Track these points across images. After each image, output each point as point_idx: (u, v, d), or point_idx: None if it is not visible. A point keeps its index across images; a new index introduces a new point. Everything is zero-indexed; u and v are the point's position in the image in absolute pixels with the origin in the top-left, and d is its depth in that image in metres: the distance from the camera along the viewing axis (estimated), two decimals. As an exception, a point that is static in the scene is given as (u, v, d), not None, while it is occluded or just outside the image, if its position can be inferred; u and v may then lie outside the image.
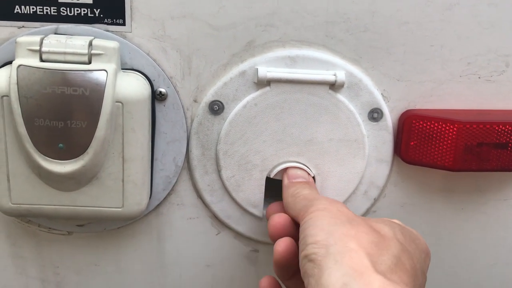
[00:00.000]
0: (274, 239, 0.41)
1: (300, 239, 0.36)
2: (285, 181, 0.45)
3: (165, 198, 0.49)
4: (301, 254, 0.34)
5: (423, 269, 0.37)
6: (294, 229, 0.41)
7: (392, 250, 0.34)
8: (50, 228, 0.50)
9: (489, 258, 0.53)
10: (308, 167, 0.47)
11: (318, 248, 0.33)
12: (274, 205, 0.46)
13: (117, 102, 0.41)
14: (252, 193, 0.48)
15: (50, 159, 0.42)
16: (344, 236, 0.34)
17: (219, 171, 0.48)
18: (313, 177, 0.47)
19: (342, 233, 0.34)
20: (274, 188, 0.48)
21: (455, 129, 0.45)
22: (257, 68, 0.45)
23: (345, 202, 0.49)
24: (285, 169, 0.47)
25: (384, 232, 0.36)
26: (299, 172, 0.46)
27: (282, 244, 0.39)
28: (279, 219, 0.41)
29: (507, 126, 0.45)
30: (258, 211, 0.49)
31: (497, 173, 0.49)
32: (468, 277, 0.54)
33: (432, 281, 0.54)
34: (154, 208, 0.49)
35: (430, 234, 0.52)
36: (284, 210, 0.43)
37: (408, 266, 0.34)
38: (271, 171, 0.47)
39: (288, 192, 0.43)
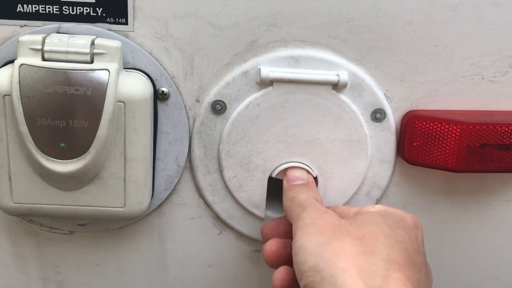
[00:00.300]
0: (270, 265, 0.42)
1: (293, 263, 0.37)
2: (284, 184, 0.45)
3: (167, 198, 0.49)
4: (301, 284, 0.36)
5: (418, 248, 0.38)
6: (289, 250, 0.41)
7: (381, 252, 0.35)
8: (51, 228, 0.49)
9: (492, 259, 0.53)
10: (310, 168, 0.47)
11: (313, 276, 0.35)
12: (268, 225, 0.46)
13: (119, 101, 0.41)
14: (254, 193, 0.48)
15: (52, 158, 0.42)
16: (332, 255, 0.35)
17: (221, 171, 0.47)
18: (315, 178, 0.47)
19: (330, 253, 0.35)
20: (276, 188, 0.48)
21: (458, 130, 0.45)
22: (260, 68, 0.44)
23: (347, 202, 0.49)
24: (285, 170, 0.47)
25: (369, 234, 0.37)
26: (298, 173, 0.46)
27: (279, 277, 0.40)
28: (271, 248, 0.42)
29: (510, 127, 0.45)
30: (260, 211, 0.49)
31: (500, 174, 0.49)
32: (471, 278, 0.54)
33: (434, 282, 0.54)
34: (156, 208, 0.49)
35: (433, 235, 0.52)
36: (278, 227, 0.45)
37: (402, 259, 0.35)
38: (273, 171, 0.47)
39: (286, 196, 0.44)
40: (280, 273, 0.41)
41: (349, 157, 0.47)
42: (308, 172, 0.47)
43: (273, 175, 0.47)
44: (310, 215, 0.39)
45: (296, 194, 0.43)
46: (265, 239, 0.45)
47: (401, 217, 0.40)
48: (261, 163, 0.47)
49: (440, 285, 0.54)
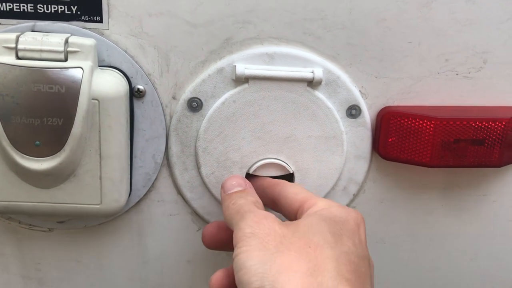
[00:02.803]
0: None
1: (236, 280, 0.35)
2: (222, 195, 0.44)
3: (145, 195, 0.49)
4: None
5: (362, 252, 0.37)
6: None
7: (329, 269, 0.34)
8: (30, 225, 0.50)
9: (468, 253, 0.54)
10: (287, 164, 0.48)
11: None
12: (208, 229, 0.47)
13: (93, 99, 0.41)
14: (232, 189, 0.48)
15: (27, 156, 0.42)
16: (278, 275, 0.33)
17: (198, 168, 0.48)
18: (292, 173, 0.48)
19: (276, 272, 0.33)
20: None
21: (432, 125, 0.45)
22: (235, 65, 0.45)
23: (324, 197, 0.49)
24: (223, 182, 0.46)
25: (314, 245, 0.35)
26: (234, 181, 0.44)
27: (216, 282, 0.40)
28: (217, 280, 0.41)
29: (484, 123, 0.46)
30: (237, 207, 0.49)
31: (476, 169, 0.50)
32: (448, 272, 0.54)
33: (411, 276, 0.54)
34: (134, 205, 0.49)
35: (410, 230, 0.52)
36: (218, 232, 0.46)
37: (349, 273, 0.34)
38: (250, 167, 0.48)
39: (224, 205, 0.42)
40: (218, 276, 0.41)
41: (325, 153, 0.48)
42: (245, 180, 0.46)
43: (251, 172, 0.48)
44: (248, 223, 0.37)
45: (234, 201, 0.41)
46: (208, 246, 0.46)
47: (344, 219, 0.38)
48: (238, 160, 0.47)
49: (416, 279, 0.54)
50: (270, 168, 0.48)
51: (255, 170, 0.47)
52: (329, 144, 0.47)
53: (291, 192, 0.43)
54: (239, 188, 0.43)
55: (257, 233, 0.36)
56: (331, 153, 0.48)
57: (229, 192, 0.43)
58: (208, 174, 0.48)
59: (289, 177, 0.48)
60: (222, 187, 0.44)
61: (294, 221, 0.39)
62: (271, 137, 0.47)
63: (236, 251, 0.36)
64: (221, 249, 0.47)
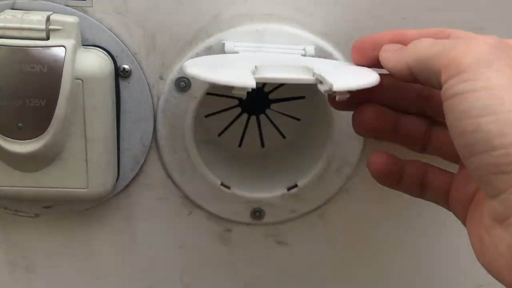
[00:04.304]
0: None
1: (452, 124, 0.26)
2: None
3: (133, 179, 0.48)
4: (476, 160, 0.25)
5: None
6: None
7: None
8: (16, 211, 0.48)
9: (466, 233, 0.53)
10: None
11: (508, 155, 0.24)
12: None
13: (76, 79, 0.40)
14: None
15: (9, 139, 0.40)
16: None
17: (188, 150, 0.46)
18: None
19: None
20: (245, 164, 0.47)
21: (427, 104, 0.44)
22: (224, 43, 0.43)
23: (317, 180, 0.48)
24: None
25: None
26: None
27: (379, 160, 0.35)
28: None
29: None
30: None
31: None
32: (447, 253, 0.54)
33: (409, 260, 0.53)
34: (122, 189, 0.48)
35: (405, 211, 0.51)
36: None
37: None
38: None
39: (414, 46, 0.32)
40: (380, 158, 0.36)
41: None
42: None
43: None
44: (480, 40, 0.27)
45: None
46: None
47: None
48: (229, 141, 0.46)
49: (413, 262, 0.54)
50: None
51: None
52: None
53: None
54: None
55: (500, 56, 0.26)
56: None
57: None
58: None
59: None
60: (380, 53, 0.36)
61: None
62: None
63: (459, 86, 0.26)
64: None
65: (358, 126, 0.39)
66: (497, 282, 0.29)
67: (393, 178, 0.37)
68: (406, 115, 0.39)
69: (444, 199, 0.36)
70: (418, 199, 0.51)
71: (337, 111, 0.45)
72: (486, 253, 0.29)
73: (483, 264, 0.29)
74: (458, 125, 0.26)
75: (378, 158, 0.37)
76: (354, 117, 0.39)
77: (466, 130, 0.25)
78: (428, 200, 0.38)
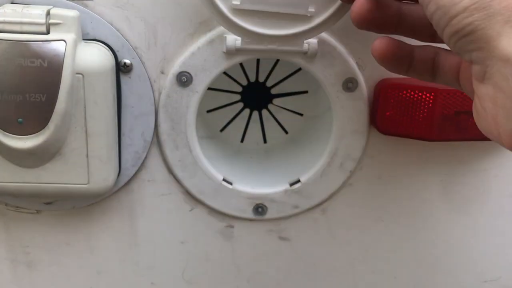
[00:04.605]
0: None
1: (429, 12, 0.29)
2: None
3: (135, 175, 0.47)
4: (445, 33, 0.29)
5: None
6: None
7: None
8: (17, 207, 0.48)
9: (468, 229, 0.53)
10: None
11: (469, 17, 0.27)
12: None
13: (77, 73, 0.40)
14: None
15: (10, 134, 0.40)
16: None
17: (189, 146, 0.46)
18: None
19: None
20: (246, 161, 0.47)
21: (431, 97, 0.44)
22: (226, 37, 0.43)
23: (320, 175, 0.48)
24: None
25: None
26: None
27: (383, 44, 0.34)
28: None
29: (485, 94, 0.44)
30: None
31: (476, 142, 0.48)
32: (447, 248, 0.53)
33: (410, 253, 0.53)
34: (124, 185, 0.48)
35: (408, 205, 0.51)
36: None
37: None
38: None
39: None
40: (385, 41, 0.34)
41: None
42: None
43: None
44: None
45: None
46: None
47: None
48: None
49: (415, 256, 0.53)
50: None
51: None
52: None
53: None
54: None
55: None
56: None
57: None
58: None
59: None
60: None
61: None
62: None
63: None
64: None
65: (358, 17, 0.36)
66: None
67: (402, 63, 0.36)
68: (410, 4, 0.37)
69: (455, 80, 0.35)
70: (420, 195, 0.50)
71: (340, 106, 0.45)
72: (480, 116, 0.30)
73: (480, 129, 0.31)
74: (426, 10, 0.30)
75: (382, 42, 0.36)
76: (353, 8, 0.36)
77: (430, 11, 0.29)
78: (439, 82, 0.36)
